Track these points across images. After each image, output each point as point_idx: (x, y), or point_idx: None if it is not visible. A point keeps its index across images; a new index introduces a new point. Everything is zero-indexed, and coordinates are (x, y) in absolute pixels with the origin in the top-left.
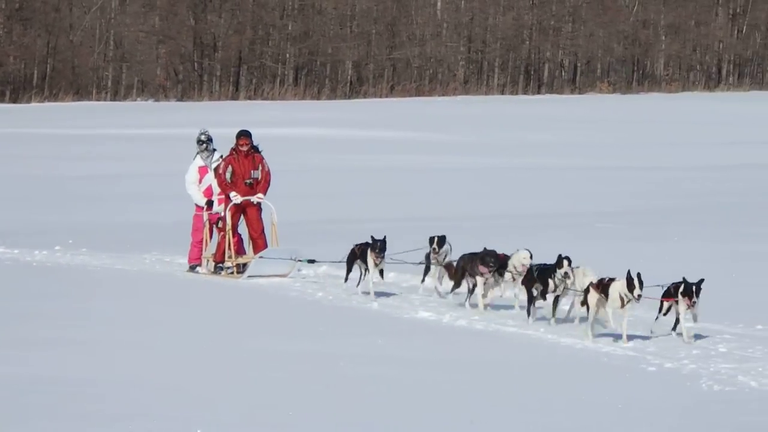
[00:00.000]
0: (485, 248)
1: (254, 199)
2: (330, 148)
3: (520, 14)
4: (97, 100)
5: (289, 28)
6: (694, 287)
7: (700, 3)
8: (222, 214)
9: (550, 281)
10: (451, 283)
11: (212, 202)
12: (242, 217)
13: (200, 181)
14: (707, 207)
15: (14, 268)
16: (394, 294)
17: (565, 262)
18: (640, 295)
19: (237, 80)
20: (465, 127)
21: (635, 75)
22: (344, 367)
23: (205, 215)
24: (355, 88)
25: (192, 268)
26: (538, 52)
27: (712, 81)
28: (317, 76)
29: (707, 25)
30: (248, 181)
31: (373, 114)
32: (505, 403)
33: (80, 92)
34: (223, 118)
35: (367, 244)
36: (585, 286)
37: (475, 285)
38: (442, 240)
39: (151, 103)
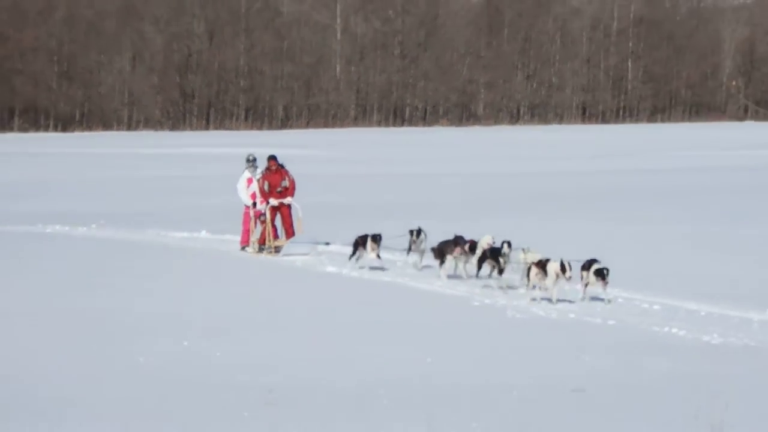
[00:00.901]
0: (455, 234)
1: (285, 201)
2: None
3: (390, 75)
4: (117, 130)
5: (241, 84)
6: (605, 271)
7: (506, 67)
8: (263, 211)
9: (500, 259)
10: (426, 260)
11: (256, 203)
12: (277, 213)
13: (248, 188)
14: (519, 200)
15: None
16: (379, 268)
17: (506, 246)
18: (570, 277)
19: (207, 117)
20: (354, 148)
21: (464, 115)
22: (336, 310)
23: (251, 212)
24: (284, 123)
25: (243, 249)
26: (402, 99)
27: (514, 119)
28: (259, 115)
29: (511, 81)
30: (279, 189)
31: (295, 139)
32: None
33: (105, 125)
34: (200, 141)
35: (367, 235)
36: (528, 264)
37: (445, 261)
38: (419, 231)
39: (152, 132)
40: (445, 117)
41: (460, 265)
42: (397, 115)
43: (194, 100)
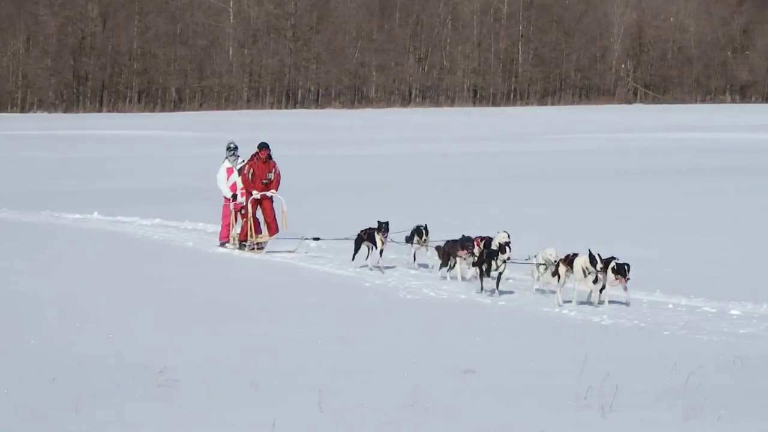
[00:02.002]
0: (463, 235)
1: (269, 194)
2: (161, 143)
3: (283, 58)
4: (11, 112)
5: (134, 66)
6: (626, 266)
7: (398, 50)
8: (244, 204)
9: (493, 262)
10: (435, 260)
11: (236, 195)
12: (259, 206)
13: (227, 179)
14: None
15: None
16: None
17: (507, 248)
18: (601, 268)
19: (101, 100)
20: (246, 130)
21: (356, 97)
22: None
23: (232, 205)
24: (178, 106)
25: (222, 244)
26: (295, 82)
27: (405, 101)
28: (152, 98)
29: (402, 64)
30: (264, 181)
31: (188, 121)
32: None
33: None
34: (95, 123)
35: (372, 228)
36: (555, 262)
37: (455, 263)
38: (426, 228)
39: (46, 114)
40: (337, 99)
41: (464, 267)
42: (289, 98)
43: (88, 82)
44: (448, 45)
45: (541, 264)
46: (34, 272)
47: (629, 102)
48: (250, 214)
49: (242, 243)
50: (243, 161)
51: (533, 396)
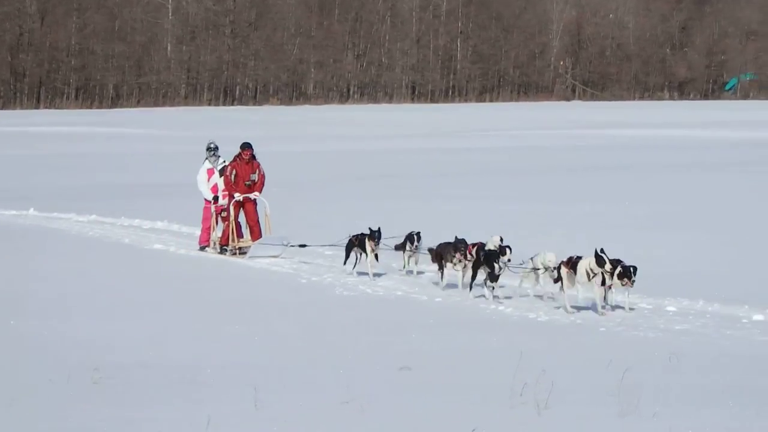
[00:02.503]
0: (456, 237)
1: (252, 196)
2: (98, 140)
3: (221, 54)
4: None
5: (72, 63)
6: (631, 269)
7: (336, 47)
8: (225, 206)
9: (495, 264)
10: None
11: (218, 197)
12: (242, 209)
13: (208, 180)
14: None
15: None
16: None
17: (507, 250)
18: (611, 269)
19: (38, 96)
20: (184, 126)
21: (294, 93)
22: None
23: (212, 207)
24: (115, 102)
25: (202, 248)
26: (233, 78)
27: (344, 98)
28: (90, 94)
29: (341, 61)
30: (248, 182)
31: (126, 118)
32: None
33: None
34: (33, 120)
35: (363, 234)
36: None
37: (444, 267)
38: (419, 235)
39: None
40: (275, 96)
41: (459, 272)
42: (227, 94)
43: (25, 79)
44: (387, 42)
45: (537, 269)
46: None
47: (567, 99)
48: (232, 218)
49: (223, 247)
50: (224, 162)
51: (469, 393)
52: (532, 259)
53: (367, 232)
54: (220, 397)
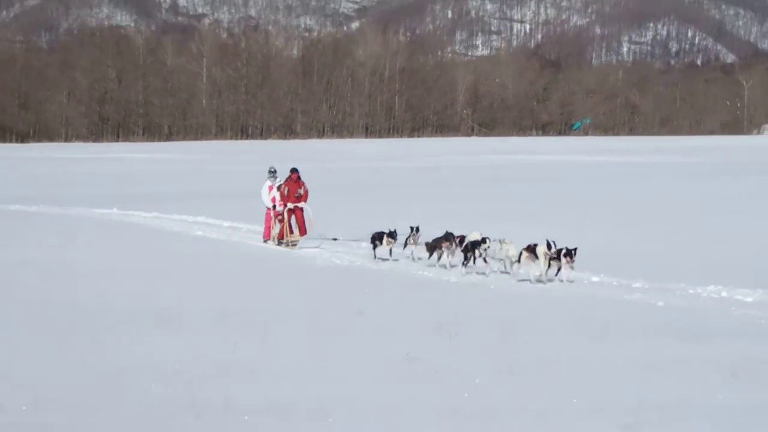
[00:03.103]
0: (446, 231)
1: (300, 205)
2: (160, 162)
3: (238, 105)
4: (57, 142)
5: (140, 111)
6: (573, 251)
7: (315, 100)
8: (281, 212)
9: (477, 250)
10: (424, 253)
11: (275, 206)
12: (292, 214)
13: (269, 194)
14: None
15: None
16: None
17: (487, 240)
18: (554, 252)
19: (117, 133)
20: (216, 153)
21: (287, 132)
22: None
23: (272, 213)
24: (168, 137)
25: (265, 242)
26: (246, 121)
27: (321, 134)
28: (153, 132)
29: (318, 110)
30: (296, 195)
31: (177, 147)
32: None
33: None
34: (114, 149)
35: (382, 232)
36: (509, 254)
37: (441, 254)
38: (417, 228)
39: (82, 144)
40: (275, 133)
41: (445, 256)
42: (243, 132)
43: (108, 122)
44: (349, 97)
45: (501, 243)
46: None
47: (468, 135)
48: (285, 220)
49: (280, 241)
50: (280, 181)
51: (403, 328)
52: (501, 245)
53: (386, 231)
54: (202, 333)
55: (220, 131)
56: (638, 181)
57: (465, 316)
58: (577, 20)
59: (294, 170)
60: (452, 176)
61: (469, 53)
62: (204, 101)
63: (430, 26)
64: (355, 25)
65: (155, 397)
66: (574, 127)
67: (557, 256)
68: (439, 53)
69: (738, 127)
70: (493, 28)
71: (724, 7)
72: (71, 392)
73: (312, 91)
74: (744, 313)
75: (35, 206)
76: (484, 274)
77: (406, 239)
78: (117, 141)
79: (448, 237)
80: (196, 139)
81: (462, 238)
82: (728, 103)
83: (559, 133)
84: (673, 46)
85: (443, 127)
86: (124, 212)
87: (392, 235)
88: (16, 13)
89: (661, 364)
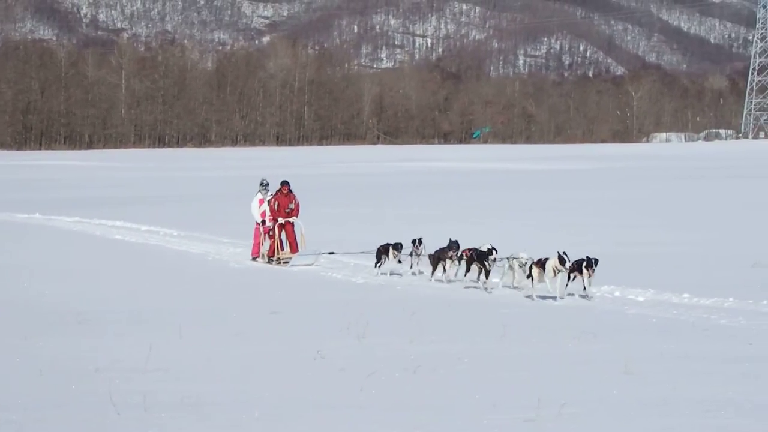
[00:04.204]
0: (450, 239)
1: (291, 220)
2: (84, 170)
3: (156, 115)
4: None
5: (62, 120)
6: (593, 261)
7: (229, 111)
8: (271, 227)
9: (486, 263)
10: (428, 267)
11: (265, 221)
12: (283, 230)
13: (259, 207)
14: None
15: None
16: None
17: (494, 252)
18: (569, 267)
19: (40, 142)
20: (135, 160)
21: (203, 141)
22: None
23: (261, 228)
24: (89, 145)
25: (253, 259)
26: (164, 131)
27: (234, 143)
28: (73, 141)
29: (231, 119)
30: (287, 209)
31: (100, 155)
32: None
33: None
34: (40, 156)
35: (388, 244)
36: (521, 263)
37: (444, 267)
38: (419, 242)
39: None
40: (191, 141)
41: (449, 267)
42: (160, 141)
43: (32, 131)
44: (260, 107)
45: (519, 265)
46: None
47: (374, 143)
48: (276, 236)
49: (270, 258)
50: (271, 194)
51: (314, 327)
52: (508, 258)
53: (392, 242)
54: (153, 330)
55: (138, 140)
56: (540, 186)
57: (374, 316)
58: (475, 35)
59: (285, 183)
60: (362, 182)
61: (374, 66)
62: (123, 111)
63: (337, 40)
64: (266, 39)
65: (77, 394)
66: (474, 136)
67: (578, 268)
68: (346, 66)
69: (628, 136)
70: (396, 42)
71: (613, 22)
72: None
73: (226, 101)
74: (636, 312)
75: None
76: (486, 289)
77: (411, 252)
78: (40, 149)
79: (452, 246)
80: (115, 147)
81: (475, 250)
82: (618, 112)
83: (460, 141)
84: (566, 59)
85: (350, 136)
86: (47, 217)
87: (397, 247)
88: None
89: (560, 362)
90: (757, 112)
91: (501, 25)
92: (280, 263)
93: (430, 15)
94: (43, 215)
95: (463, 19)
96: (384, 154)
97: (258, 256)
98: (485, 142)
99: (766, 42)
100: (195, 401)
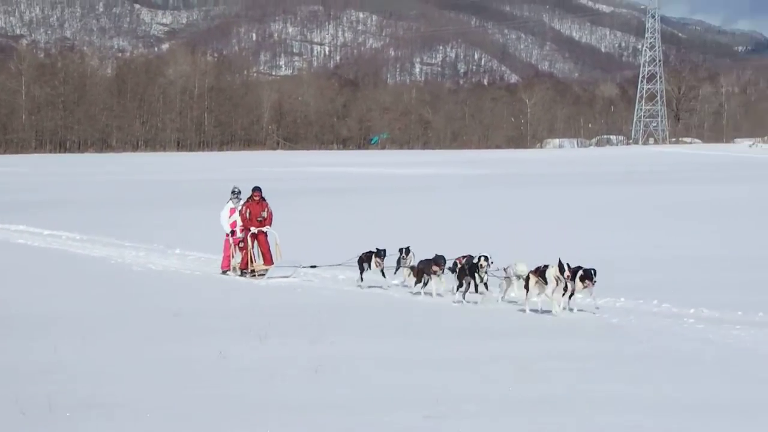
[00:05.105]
0: (436, 254)
1: (264, 229)
2: None
3: (56, 121)
4: None
5: None
6: (592, 272)
7: (129, 117)
8: (242, 238)
9: (476, 274)
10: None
11: (235, 231)
12: (255, 240)
13: (230, 217)
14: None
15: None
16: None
17: (484, 261)
18: (568, 276)
19: None
20: (36, 166)
21: (104, 146)
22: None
23: (231, 239)
24: None
25: (224, 272)
26: (65, 136)
27: (135, 148)
28: None
29: (132, 125)
30: (259, 218)
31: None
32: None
33: None
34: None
35: (371, 252)
36: (518, 272)
37: (428, 280)
38: (406, 251)
39: None
40: (92, 147)
41: (433, 283)
42: (61, 146)
43: None
44: (161, 113)
45: (516, 276)
46: None
47: (274, 149)
48: (249, 247)
49: (243, 271)
50: (243, 201)
51: (216, 330)
52: (505, 269)
53: (374, 250)
54: (61, 335)
55: (39, 145)
56: (439, 190)
57: (276, 318)
58: (372, 43)
59: (256, 189)
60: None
61: (273, 73)
62: (24, 117)
63: (236, 48)
64: (165, 46)
65: None
66: (372, 141)
67: (572, 278)
68: (245, 73)
69: (522, 141)
70: (295, 50)
71: (507, 31)
72: None
73: (126, 107)
74: (533, 314)
75: None
76: (475, 302)
77: (398, 261)
78: None
79: (438, 261)
80: (16, 152)
81: (469, 259)
82: (513, 119)
83: (359, 147)
84: (462, 67)
85: (250, 141)
86: None
87: (380, 254)
88: None
89: (459, 362)
90: (647, 119)
91: (397, 33)
92: (254, 276)
93: (327, 23)
94: None
95: (360, 28)
96: (285, 158)
97: (229, 269)
98: (383, 147)
99: (654, 51)
100: (100, 401)
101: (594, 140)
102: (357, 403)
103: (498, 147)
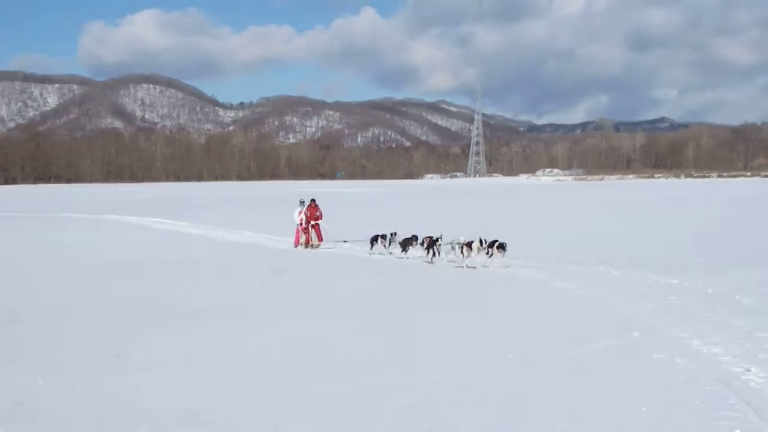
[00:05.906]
0: (412, 234)
1: (318, 222)
2: None
3: None
4: None
5: None
6: (504, 244)
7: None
8: (305, 227)
9: (435, 247)
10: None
11: (302, 223)
12: (313, 229)
13: (298, 215)
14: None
15: None
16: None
17: (441, 238)
18: (484, 247)
19: None
20: None
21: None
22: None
23: (300, 228)
24: None
25: (295, 247)
26: None
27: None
28: None
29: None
30: (315, 216)
31: None
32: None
33: None
34: None
35: (377, 235)
36: (460, 245)
37: (408, 249)
38: (394, 234)
39: None
40: (194, 179)
41: (412, 250)
42: (178, 179)
43: None
44: (228, 162)
45: (456, 244)
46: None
47: (287, 180)
48: (310, 232)
49: (306, 246)
50: (305, 207)
51: (318, 273)
52: (451, 243)
53: (382, 233)
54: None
55: (166, 179)
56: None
57: (326, 263)
58: (336, 126)
59: (312, 199)
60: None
61: (285, 141)
62: (159, 164)
63: (267, 128)
64: (231, 128)
65: None
66: (337, 176)
67: (492, 246)
68: (272, 141)
69: (411, 176)
70: (297, 130)
71: (404, 120)
72: None
73: (211, 160)
74: (467, 268)
75: None
76: (431, 262)
77: (389, 240)
78: None
79: (414, 238)
80: (152, 182)
81: (432, 238)
82: (407, 164)
83: (330, 179)
84: (382, 138)
85: (273, 176)
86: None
87: (385, 237)
88: None
89: (413, 286)
90: (475, 165)
91: (350, 121)
92: (313, 248)
93: (313, 116)
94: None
95: (330, 118)
96: (295, 185)
97: (298, 245)
98: (342, 179)
99: (479, 129)
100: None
101: (449, 175)
102: (342, 304)
103: (398, 179)
